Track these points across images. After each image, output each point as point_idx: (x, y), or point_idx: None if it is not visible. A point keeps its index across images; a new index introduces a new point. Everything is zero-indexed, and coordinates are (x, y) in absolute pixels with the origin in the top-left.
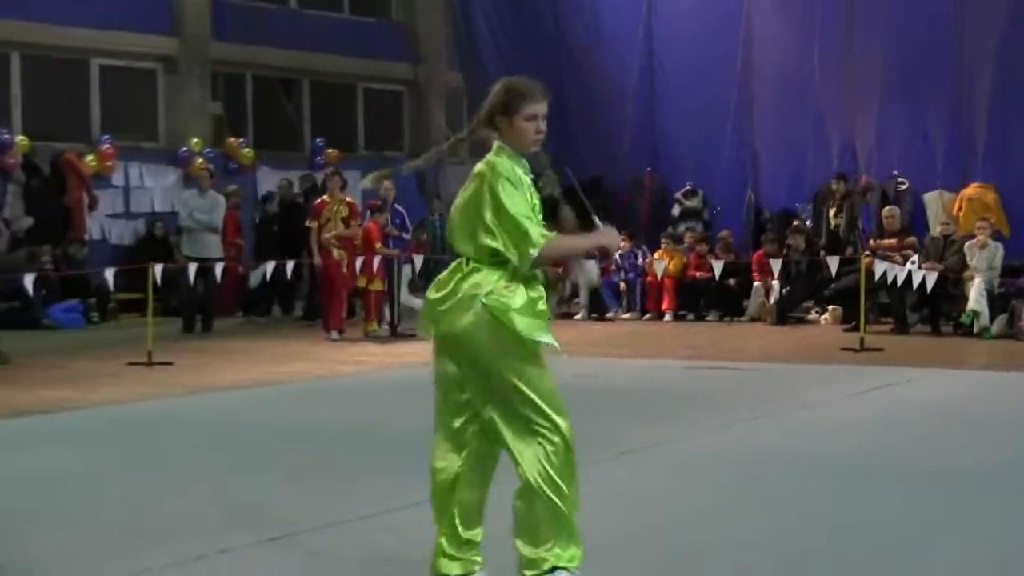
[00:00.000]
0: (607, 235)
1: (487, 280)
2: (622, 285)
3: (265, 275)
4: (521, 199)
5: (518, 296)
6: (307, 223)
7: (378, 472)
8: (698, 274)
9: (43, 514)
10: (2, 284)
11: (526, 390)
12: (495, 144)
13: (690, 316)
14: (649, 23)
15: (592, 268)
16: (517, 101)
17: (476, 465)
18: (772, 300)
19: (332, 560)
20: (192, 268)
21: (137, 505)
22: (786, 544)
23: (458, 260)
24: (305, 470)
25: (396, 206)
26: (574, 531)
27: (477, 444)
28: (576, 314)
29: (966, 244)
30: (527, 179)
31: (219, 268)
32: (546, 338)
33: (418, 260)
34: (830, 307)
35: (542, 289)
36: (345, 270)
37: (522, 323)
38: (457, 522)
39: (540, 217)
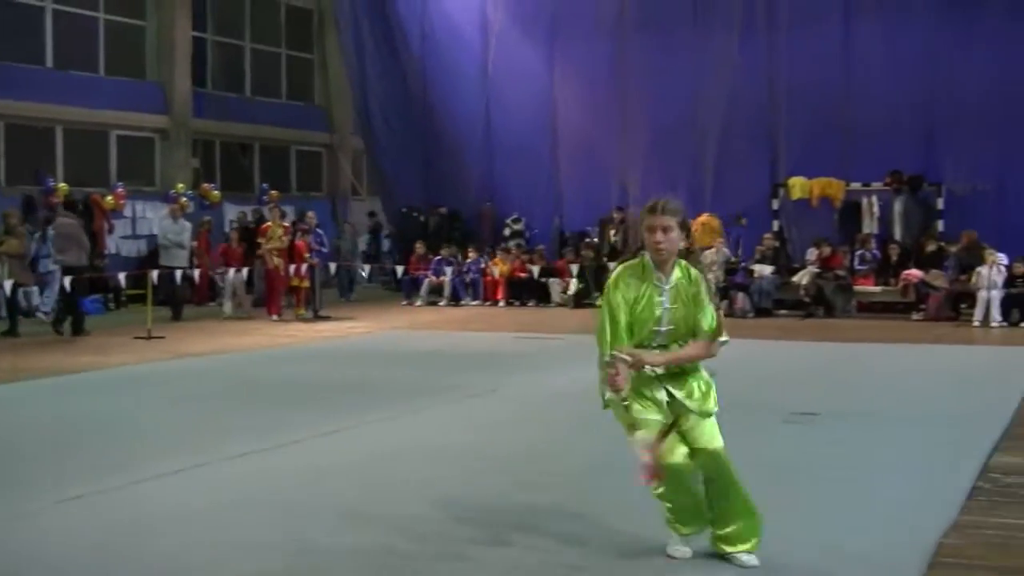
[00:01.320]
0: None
1: None
2: (467, 281)
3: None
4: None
5: None
6: (258, 239)
7: (306, 410)
8: (522, 275)
9: (84, 438)
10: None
11: None
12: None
13: (516, 303)
14: (489, 101)
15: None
16: (643, 215)
17: None
18: (571, 293)
19: (277, 471)
20: (178, 274)
21: (145, 432)
22: (591, 452)
23: None
24: (255, 408)
25: (317, 229)
26: None
27: None
28: (440, 302)
29: (702, 253)
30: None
31: (179, 273)
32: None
33: (332, 266)
34: None
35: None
36: (282, 273)
37: None
38: None
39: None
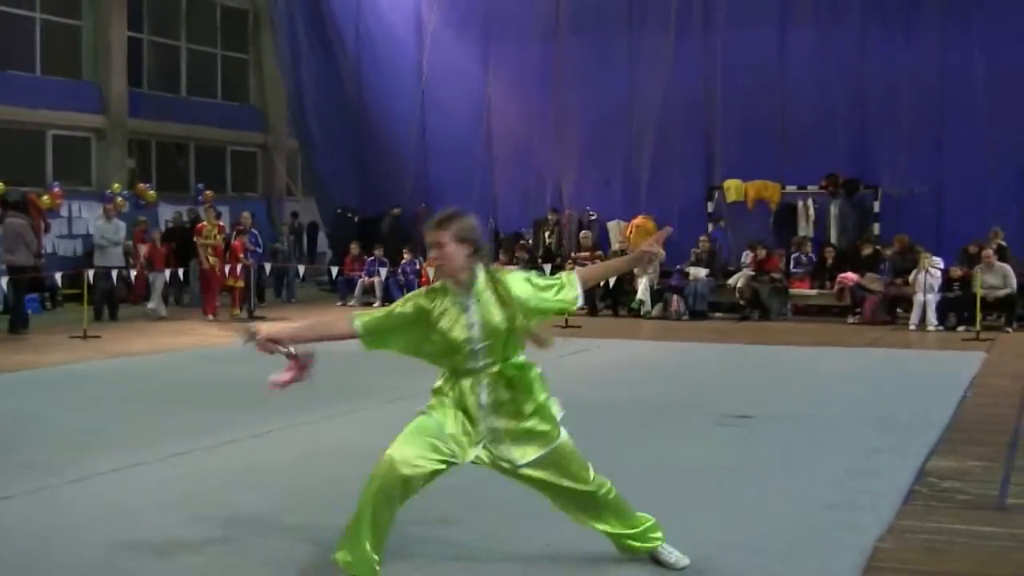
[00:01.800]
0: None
1: None
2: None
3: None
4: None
5: None
6: (194, 239)
7: (241, 410)
8: None
9: (17, 437)
10: None
11: None
12: None
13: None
14: (423, 103)
15: None
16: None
17: None
18: None
19: (211, 471)
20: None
21: (79, 431)
22: None
23: None
24: (190, 408)
25: (253, 230)
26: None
27: None
28: (373, 303)
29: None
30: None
31: (115, 273)
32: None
33: (267, 266)
34: None
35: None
36: (217, 272)
37: None
38: None
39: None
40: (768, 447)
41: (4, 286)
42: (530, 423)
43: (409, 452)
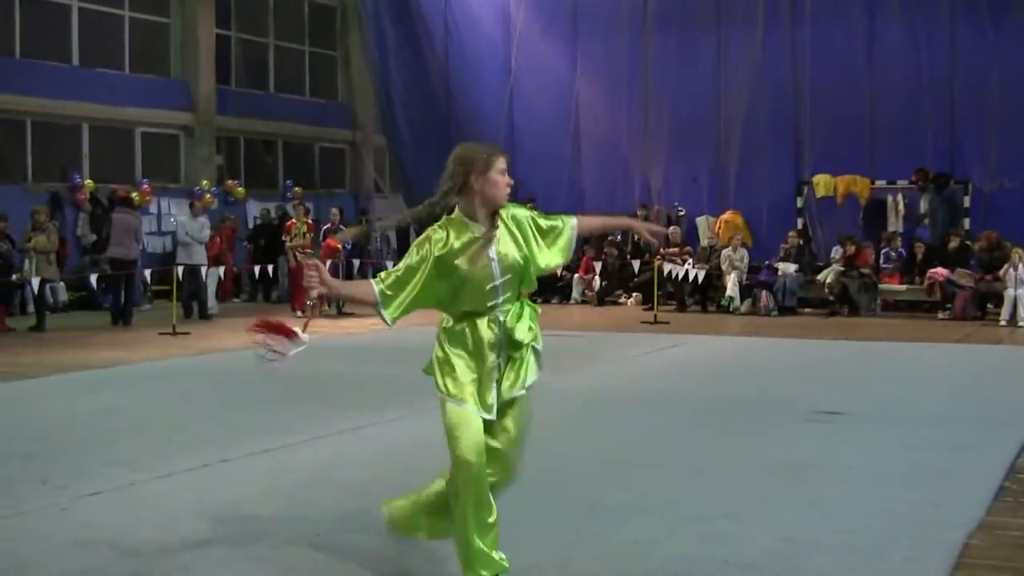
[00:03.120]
0: None
1: None
2: None
3: (255, 274)
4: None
5: None
6: (282, 237)
7: (327, 407)
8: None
9: (104, 434)
10: (75, 280)
11: None
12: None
13: (540, 300)
14: (512, 99)
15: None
16: (487, 160)
17: None
18: (595, 289)
19: (296, 466)
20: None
21: (170, 427)
22: (608, 449)
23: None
24: (276, 404)
25: (341, 226)
26: None
27: None
28: None
29: (724, 251)
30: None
31: (204, 270)
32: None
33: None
34: (634, 293)
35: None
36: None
37: None
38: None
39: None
40: (857, 444)
41: (93, 282)
42: (527, 353)
43: (470, 442)
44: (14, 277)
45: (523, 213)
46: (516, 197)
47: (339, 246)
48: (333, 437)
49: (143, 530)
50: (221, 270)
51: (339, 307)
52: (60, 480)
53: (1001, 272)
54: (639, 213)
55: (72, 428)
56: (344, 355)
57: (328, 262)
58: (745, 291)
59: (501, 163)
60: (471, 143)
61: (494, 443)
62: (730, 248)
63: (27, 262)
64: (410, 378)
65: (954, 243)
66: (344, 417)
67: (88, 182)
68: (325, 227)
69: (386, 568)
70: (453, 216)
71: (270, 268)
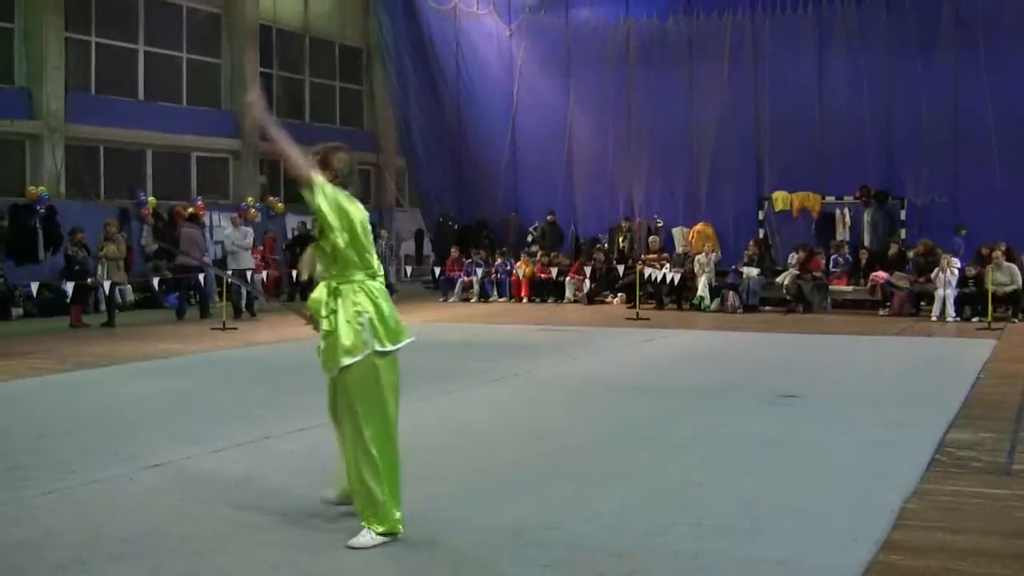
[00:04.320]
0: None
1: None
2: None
3: (293, 277)
4: None
5: None
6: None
7: None
8: (542, 275)
9: (164, 414)
10: (140, 283)
11: None
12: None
13: (538, 300)
14: (514, 126)
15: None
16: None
17: None
18: (585, 291)
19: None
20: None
21: (220, 408)
22: (597, 427)
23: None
24: (317, 388)
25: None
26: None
27: None
28: (471, 299)
29: (696, 257)
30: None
31: (249, 274)
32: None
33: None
34: (619, 293)
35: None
36: None
37: None
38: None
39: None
40: (810, 422)
41: (156, 285)
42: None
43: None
44: (89, 281)
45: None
46: (518, 211)
47: None
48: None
49: (198, 495)
50: (264, 274)
51: None
52: (128, 453)
53: (932, 275)
54: (623, 224)
55: (138, 409)
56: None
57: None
58: (714, 292)
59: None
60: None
61: None
62: (702, 254)
63: (100, 268)
64: (430, 366)
65: (892, 250)
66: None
67: (151, 199)
68: None
69: (415, 532)
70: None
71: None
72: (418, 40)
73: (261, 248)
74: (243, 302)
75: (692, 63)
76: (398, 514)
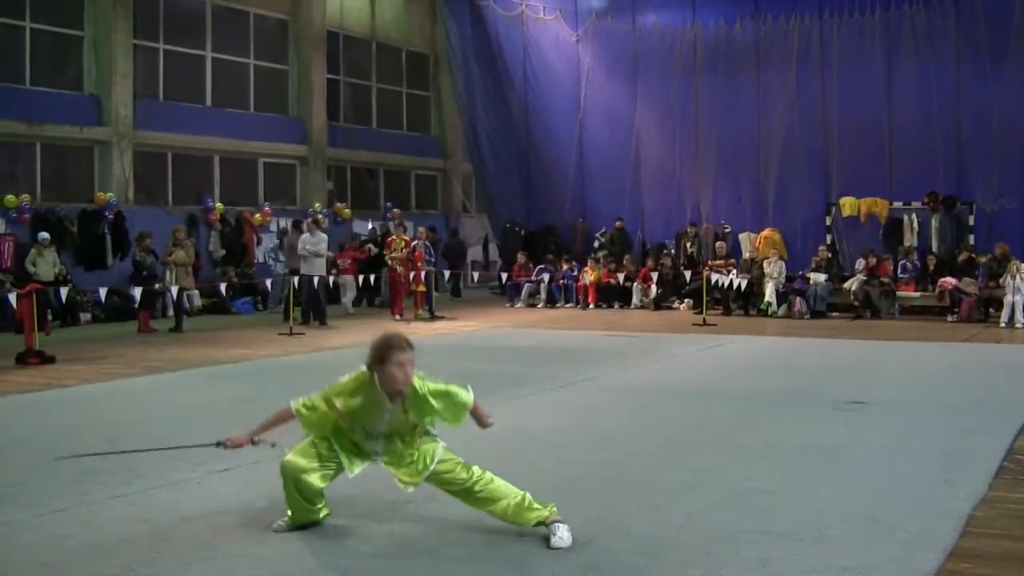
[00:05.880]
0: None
1: None
2: (563, 286)
3: (358, 284)
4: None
5: None
6: (383, 252)
7: None
8: (609, 281)
9: (232, 419)
10: (208, 288)
11: None
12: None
13: (604, 306)
14: (581, 131)
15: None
16: (387, 355)
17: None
18: (651, 296)
19: None
20: (315, 280)
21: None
22: (663, 434)
23: None
24: None
25: (426, 243)
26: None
27: None
28: (538, 304)
29: (764, 263)
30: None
31: (317, 280)
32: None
33: (446, 273)
34: (686, 300)
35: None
36: (402, 279)
37: None
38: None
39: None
40: (878, 430)
41: (223, 291)
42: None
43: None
44: (157, 286)
45: (425, 389)
46: (585, 217)
47: (423, 256)
48: None
49: (262, 502)
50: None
51: (431, 311)
52: (197, 458)
53: (1001, 280)
54: (689, 230)
55: (206, 413)
56: (436, 352)
57: (422, 273)
58: (781, 297)
59: (399, 357)
60: (393, 335)
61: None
62: (769, 260)
63: (168, 273)
64: (496, 372)
65: (961, 256)
66: None
67: (219, 205)
68: (414, 243)
69: (463, 540)
70: (370, 378)
71: (372, 277)
72: (485, 45)
73: (339, 253)
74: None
75: (759, 68)
76: None
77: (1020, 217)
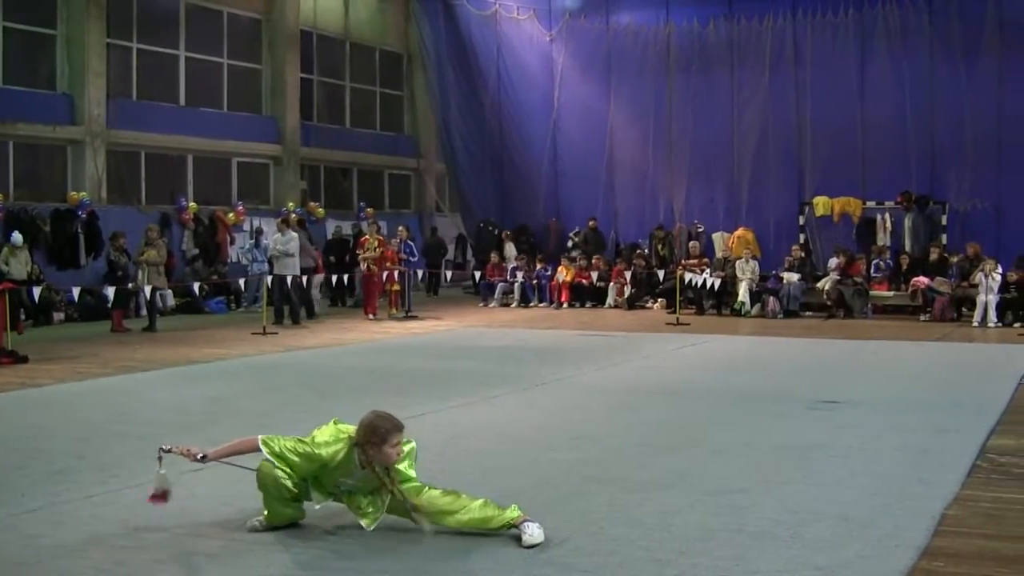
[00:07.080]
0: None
1: None
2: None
3: (331, 283)
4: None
5: None
6: (356, 251)
7: (398, 395)
8: (583, 280)
9: (206, 418)
10: (180, 288)
11: None
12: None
13: (577, 305)
14: (555, 131)
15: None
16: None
17: None
18: (625, 296)
19: None
20: (289, 279)
21: (259, 413)
22: (637, 433)
23: None
24: (351, 393)
25: (408, 241)
26: None
27: None
28: (511, 304)
29: (737, 263)
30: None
31: (290, 279)
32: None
33: (420, 272)
34: (659, 299)
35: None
36: (376, 278)
37: None
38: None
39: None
40: (851, 428)
41: (196, 290)
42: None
43: None
44: (130, 285)
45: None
46: (559, 217)
47: (400, 255)
48: (404, 422)
49: (240, 501)
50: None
51: (406, 311)
52: (171, 458)
53: (972, 279)
54: (661, 231)
55: (180, 413)
56: (411, 352)
57: (395, 272)
58: (755, 297)
59: (395, 439)
60: (383, 416)
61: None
62: (742, 259)
63: (140, 273)
64: (471, 371)
65: (934, 255)
66: (412, 404)
67: (192, 204)
68: (391, 241)
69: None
70: (351, 451)
71: (345, 277)
72: (459, 45)
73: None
74: (289, 310)
75: (733, 68)
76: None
77: (992, 217)
